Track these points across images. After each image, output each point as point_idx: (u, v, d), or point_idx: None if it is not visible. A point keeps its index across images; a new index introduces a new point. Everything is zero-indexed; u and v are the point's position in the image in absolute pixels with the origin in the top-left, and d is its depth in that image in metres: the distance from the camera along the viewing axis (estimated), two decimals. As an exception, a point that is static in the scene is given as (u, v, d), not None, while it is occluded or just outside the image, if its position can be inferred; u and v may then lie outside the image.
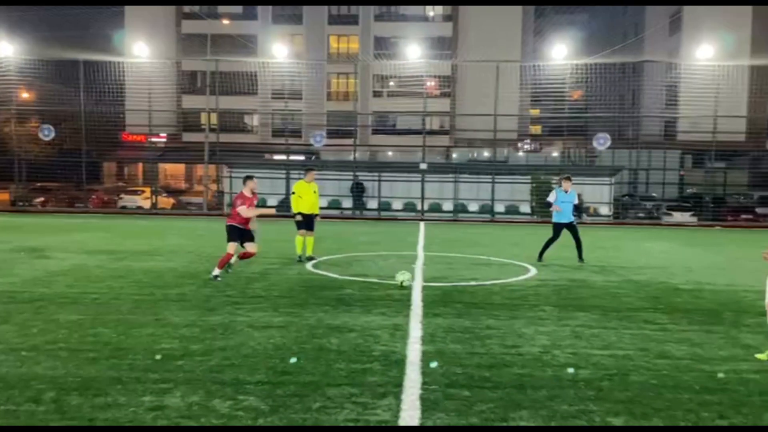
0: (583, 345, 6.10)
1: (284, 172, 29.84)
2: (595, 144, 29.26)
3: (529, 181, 30.54)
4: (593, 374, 5.15)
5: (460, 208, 30.35)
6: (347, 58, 42.62)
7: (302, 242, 12.09)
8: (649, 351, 5.89)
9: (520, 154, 43.21)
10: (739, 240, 20.51)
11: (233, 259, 9.82)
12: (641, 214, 31.36)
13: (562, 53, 28.86)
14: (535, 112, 41.93)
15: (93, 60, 29.98)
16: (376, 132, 42.92)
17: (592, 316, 7.49)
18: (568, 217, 12.49)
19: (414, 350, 5.78)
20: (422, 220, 27.37)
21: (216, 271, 9.51)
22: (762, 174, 34.89)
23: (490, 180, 29.60)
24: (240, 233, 9.70)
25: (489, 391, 4.71)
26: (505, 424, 4.09)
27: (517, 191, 30.37)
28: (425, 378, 4.96)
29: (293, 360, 5.36)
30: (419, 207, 29.86)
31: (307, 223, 12.16)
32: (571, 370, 5.20)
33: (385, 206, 30.47)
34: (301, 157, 37.30)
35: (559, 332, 6.61)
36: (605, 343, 6.17)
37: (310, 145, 31.76)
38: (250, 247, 9.78)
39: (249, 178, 9.95)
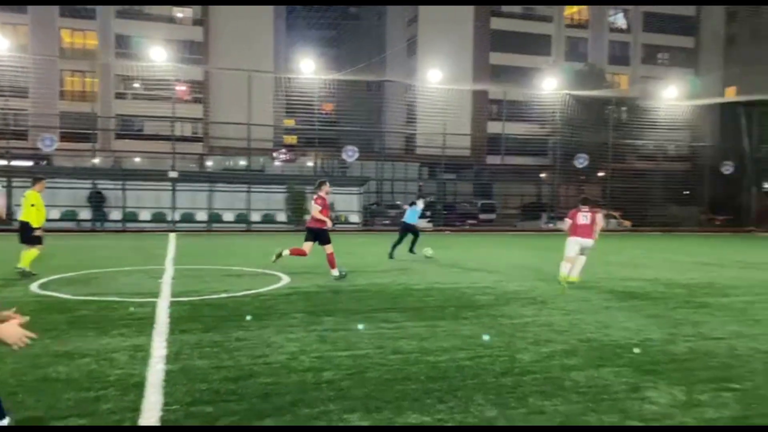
0: (327, 348, 6.40)
1: (5, 180, 26.02)
2: (344, 156, 30.92)
3: (284, 190, 31.06)
4: (335, 375, 5.45)
5: (215, 218, 29.64)
6: (83, 55, 38.76)
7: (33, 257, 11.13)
8: (385, 348, 6.42)
9: (277, 163, 43.77)
10: (465, 242, 23.42)
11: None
12: (386, 221, 34.00)
13: (312, 67, 29.95)
14: (289, 122, 42.87)
15: None
16: (120, 137, 39.75)
17: (338, 319, 7.90)
18: (409, 219, 16.57)
19: (156, 371, 5.49)
20: (173, 231, 26.09)
21: (335, 272, 11.53)
22: (483, 184, 40.35)
23: (246, 189, 29.43)
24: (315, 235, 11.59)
25: (234, 404, 4.69)
26: (248, 435, 4.12)
27: (273, 200, 30.68)
28: (167, 399, 4.76)
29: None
30: (170, 217, 28.42)
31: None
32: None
33: (130, 217, 28.37)
34: (28, 163, 32.87)
35: (307, 338, 6.85)
36: (348, 345, 6.56)
37: (39, 149, 28.14)
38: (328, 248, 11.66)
39: (323, 183, 11.69)
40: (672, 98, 35.09)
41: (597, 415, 4.61)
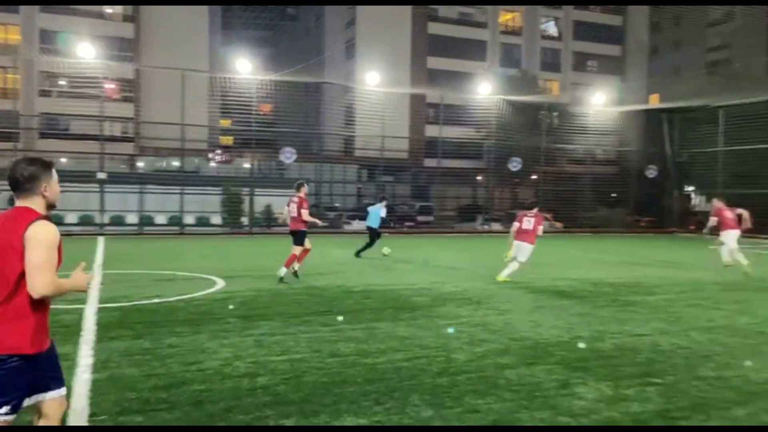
0: (263, 353, 6.31)
1: None
2: (282, 157, 30.51)
3: (220, 192, 30.38)
4: (271, 380, 5.37)
5: (146, 221, 28.71)
6: (5, 50, 36.79)
7: None
8: (322, 351, 6.39)
9: (212, 164, 42.79)
10: (403, 244, 23.55)
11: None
12: (326, 223, 33.79)
13: (249, 67, 29.40)
14: (225, 123, 42.03)
15: None
16: (44, 136, 37.88)
17: (274, 324, 7.80)
18: (377, 224, 16.92)
19: (82, 380, 5.27)
20: (101, 234, 25.11)
21: (284, 271, 11.31)
22: (421, 187, 40.72)
23: (180, 191, 28.61)
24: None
25: (165, 412, 4.56)
26: (180, 444, 4.01)
27: (207, 202, 29.93)
28: (93, 409, 4.57)
29: None
30: (98, 220, 27.32)
31: None
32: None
33: (55, 220, 27.06)
34: (-58, 163, 30.88)
35: (242, 343, 6.73)
36: (284, 349, 6.49)
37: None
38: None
39: (302, 184, 11.70)
40: (600, 104, 36.46)
41: (529, 412, 4.73)
